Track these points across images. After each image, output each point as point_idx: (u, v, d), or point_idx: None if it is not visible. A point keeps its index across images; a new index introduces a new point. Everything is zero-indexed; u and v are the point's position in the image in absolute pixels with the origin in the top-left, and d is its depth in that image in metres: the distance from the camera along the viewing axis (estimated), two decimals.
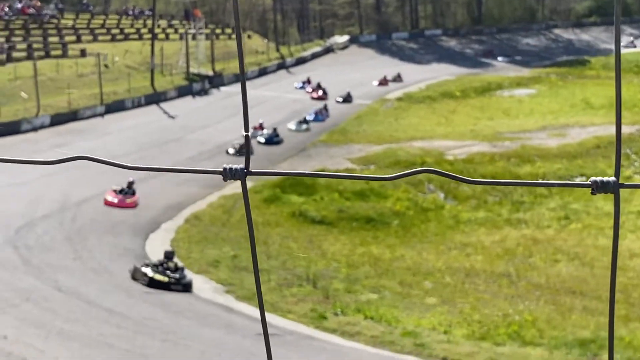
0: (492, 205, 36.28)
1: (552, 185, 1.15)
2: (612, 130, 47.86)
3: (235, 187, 37.25)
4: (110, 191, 33.23)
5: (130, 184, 33.61)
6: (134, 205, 32.75)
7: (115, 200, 32.65)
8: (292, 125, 51.01)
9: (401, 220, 34.05)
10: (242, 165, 1.30)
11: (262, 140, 45.82)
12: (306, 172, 1.29)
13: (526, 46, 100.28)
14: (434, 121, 55.77)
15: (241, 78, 1.32)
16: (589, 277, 27.24)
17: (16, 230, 28.45)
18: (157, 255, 27.91)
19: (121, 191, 33.26)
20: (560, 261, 29.19)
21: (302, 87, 67.18)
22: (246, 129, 1.29)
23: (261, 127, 48.79)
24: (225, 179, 1.29)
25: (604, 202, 36.20)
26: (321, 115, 55.01)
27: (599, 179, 1.06)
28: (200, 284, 25.37)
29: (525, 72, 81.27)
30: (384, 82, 71.10)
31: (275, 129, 47.29)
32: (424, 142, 47.64)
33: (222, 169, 1.28)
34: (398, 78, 72.78)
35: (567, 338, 21.13)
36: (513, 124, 53.79)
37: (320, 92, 63.64)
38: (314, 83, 67.32)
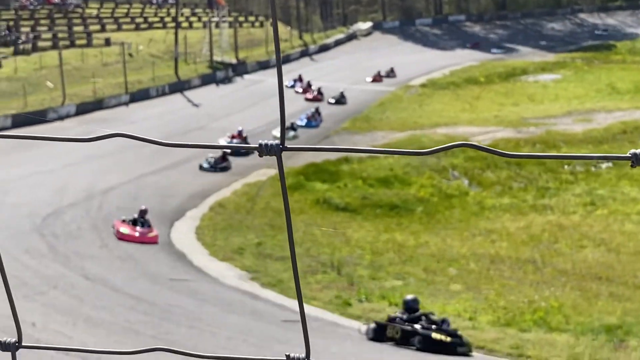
0: (517, 192, 36.11)
1: (592, 158, 1.14)
2: (638, 115, 47.46)
3: (259, 174, 37.33)
4: (121, 222, 27.76)
5: (143, 213, 28.03)
6: (156, 241, 27.41)
7: (136, 234, 27.10)
8: (277, 132, 43.41)
9: (425, 206, 33.98)
10: (277, 141, 1.32)
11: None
12: (343, 147, 1.30)
13: (551, 31, 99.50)
14: (458, 107, 55.54)
15: (278, 63, 1.33)
16: (615, 263, 27.07)
17: (43, 218, 28.69)
18: (182, 244, 28.07)
19: (134, 222, 27.64)
20: (586, 247, 29.03)
21: (292, 86, 59.70)
22: (281, 107, 1.30)
23: (240, 135, 42.67)
24: (261, 155, 1.30)
25: (630, 188, 35.94)
26: (314, 120, 48.31)
27: (638, 151, 1.07)
28: (225, 271, 25.47)
29: (550, 57, 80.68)
30: (377, 78, 66.39)
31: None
32: (448, 129, 47.48)
33: (258, 145, 1.29)
34: (392, 73, 67.90)
35: (593, 324, 21.02)
36: (538, 110, 53.45)
37: (315, 92, 56.82)
38: (304, 82, 60.91)
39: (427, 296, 23.66)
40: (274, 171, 38.02)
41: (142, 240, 26.94)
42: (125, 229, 27.13)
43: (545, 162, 39.28)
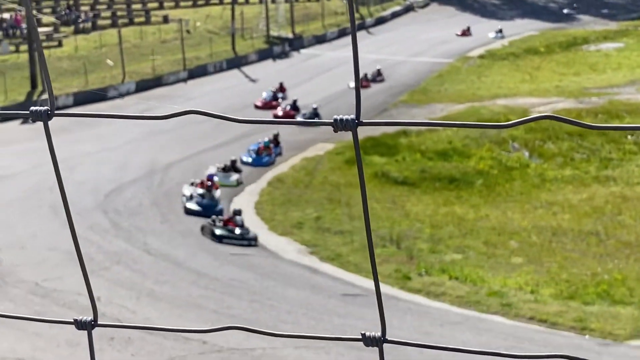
0: (579, 163, 35.52)
1: None
2: None
3: (316, 149, 37.34)
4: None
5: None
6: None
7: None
8: (217, 173, 31.67)
9: (485, 179, 33.63)
10: (353, 116, 1.29)
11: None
12: (419, 121, 1.26)
13: None
14: (518, 78, 54.72)
15: (353, 32, 1.28)
16: None
17: (106, 195, 29.13)
18: (242, 219, 28.26)
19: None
20: None
21: (273, 99, 45.96)
22: (356, 80, 1.26)
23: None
24: (336, 130, 1.28)
25: None
26: (268, 154, 35.74)
27: None
28: (285, 245, 25.59)
29: (612, 25, 78.88)
30: (366, 84, 51.43)
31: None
32: (507, 100, 46.84)
33: (333, 120, 1.27)
34: (379, 76, 54.69)
35: None
36: (600, 79, 52.39)
37: (288, 107, 43.20)
38: (286, 95, 47.29)
39: (487, 270, 23.49)
40: (331, 145, 37.97)
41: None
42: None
43: (607, 133, 38.54)
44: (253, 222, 28.18)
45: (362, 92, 48.64)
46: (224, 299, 17.73)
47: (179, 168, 33.15)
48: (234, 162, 33.30)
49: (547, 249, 25.79)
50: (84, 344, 11.30)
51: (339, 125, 1.24)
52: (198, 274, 20.40)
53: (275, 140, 36.60)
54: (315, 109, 41.10)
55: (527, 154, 36.94)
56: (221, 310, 16.78)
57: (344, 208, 29.78)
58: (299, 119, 40.72)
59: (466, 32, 71.56)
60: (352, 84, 52.00)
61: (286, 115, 41.68)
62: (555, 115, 1.25)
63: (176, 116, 1.37)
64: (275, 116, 41.47)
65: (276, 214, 29.09)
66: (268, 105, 44.52)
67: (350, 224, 27.63)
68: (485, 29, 74.60)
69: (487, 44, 69.37)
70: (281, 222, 28.12)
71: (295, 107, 43.10)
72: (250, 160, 34.79)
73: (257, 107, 44.74)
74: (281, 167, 34.85)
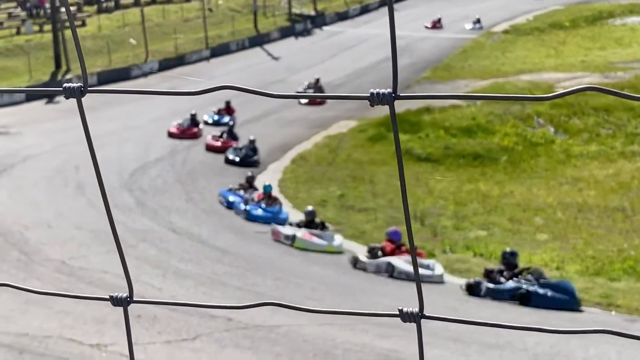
0: (604, 139, 35.22)
1: None
2: None
3: (339, 126, 37.27)
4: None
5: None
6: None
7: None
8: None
9: (510, 155, 33.44)
10: (389, 90, 1.26)
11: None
12: (456, 94, 1.23)
13: None
14: (543, 53, 54.24)
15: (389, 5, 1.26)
16: None
17: (130, 173, 29.28)
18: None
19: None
20: None
21: (218, 121, 37.19)
22: (393, 53, 1.24)
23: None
24: (372, 105, 1.26)
25: None
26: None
27: None
28: None
29: None
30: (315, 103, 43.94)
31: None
32: (532, 75, 46.47)
33: (369, 94, 1.25)
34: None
35: None
36: (626, 54, 51.82)
37: (224, 138, 33.69)
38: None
39: (512, 246, 23.39)
40: (354, 123, 37.89)
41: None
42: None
43: (634, 107, 38.15)
44: None
45: (383, 68, 48.44)
46: (248, 276, 17.80)
47: (203, 147, 33.23)
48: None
49: (573, 225, 25.64)
50: (111, 321, 11.41)
51: (375, 99, 1.22)
52: (222, 251, 20.48)
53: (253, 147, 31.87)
54: (252, 141, 31.89)
55: (552, 129, 36.66)
56: (246, 287, 16.84)
57: (367, 185, 29.74)
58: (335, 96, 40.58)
59: (437, 24, 64.64)
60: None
61: (224, 146, 32.50)
62: (596, 86, 1.22)
63: (210, 92, 1.36)
64: (210, 145, 32.68)
65: (300, 192, 29.10)
66: (186, 132, 34.62)
67: (373, 202, 27.60)
68: (510, 4, 73.79)
69: (514, 17, 68.72)
70: (305, 200, 28.14)
71: (233, 134, 33.53)
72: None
73: (171, 134, 34.77)
74: (304, 145, 34.83)
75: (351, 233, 24.28)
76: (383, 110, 39.18)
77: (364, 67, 49.09)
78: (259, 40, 60.39)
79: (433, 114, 38.39)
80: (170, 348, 9.95)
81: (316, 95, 1.45)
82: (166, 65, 51.57)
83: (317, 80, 43.07)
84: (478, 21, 65.01)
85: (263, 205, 25.16)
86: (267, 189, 25.78)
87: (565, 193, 28.86)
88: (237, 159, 31.37)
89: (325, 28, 66.47)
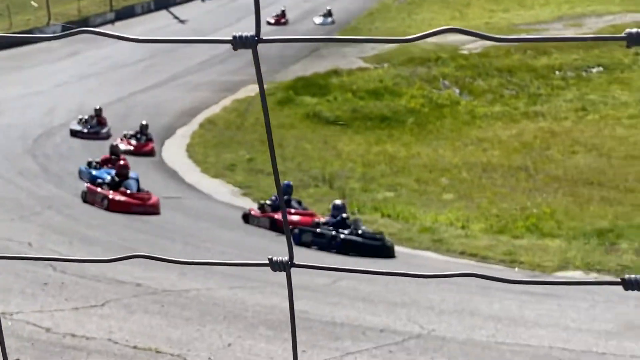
0: (508, 99, 36.03)
1: (586, 39, 1.10)
2: (629, 18, 47.07)
3: (247, 90, 37.11)
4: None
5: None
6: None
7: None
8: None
9: (416, 117, 33.93)
10: (252, 33, 1.27)
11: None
12: (319, 37, 1.25)
13: None
14: (448, 16, 54.92)
15: None
16: (606, 168, 27.22)
17: (35, 139, 28.61)
18: (173, 162, 28.12)
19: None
20: (578, 153, 29.14)
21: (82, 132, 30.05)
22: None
23: None
24: (235, 48, 1.26)
25: (621, 92, 35.88)
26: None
27: (634, 30, 1.02)
28: (217, 187, 25.56)
29: None
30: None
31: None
32: (437, 38, 46.93)
33: (232, 37, 1.25)
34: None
35: (585, 228, 21.23)
36: (528, 15, 52.91)
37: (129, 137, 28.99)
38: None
39: (419, 207, 23.82)
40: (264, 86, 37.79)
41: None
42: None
43: (536, 68, 39.07)
44: (185, 165, 28.03)
45: (283, 28, 48.30)
46: (157, 242, 17.68)
47: (109, 112, 32.66)
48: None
49: (478, 185, 26.25)
50: (17, 289, 11.21)
51: (238, 43, 1.23)
52: (130, 217, 20.27)
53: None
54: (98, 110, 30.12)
55: (457, 91, 37.31)
56: (155, 252, 16.67)
57: (276, 149, 29.69)
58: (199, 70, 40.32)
59: (280, 19, 53.61)
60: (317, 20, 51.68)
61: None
62: (457, 27, 1.28)
63: (67, 36, 1.34)
64: (114, 147, 25.59)
65: (208, 157, 28.96)
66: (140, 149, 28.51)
67: (282, 165, 27.67)
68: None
69: None
70: (213, 165, 28.03)
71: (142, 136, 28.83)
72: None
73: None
74: (213, 109, 34.61)
75: (260, 196, 24.33)
76: (290, 74, 39.18)
77: (272, 30, 48.87)
78: (164, 2, 59.41)
79: (341, 77, 38.59)
80: (78, 315, 9.86)
81: (175, 40, 1.43)
82: (70, 28, 50.31)
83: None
84: (329, 14, 55.11)
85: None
86: None
87: (470, 153, 29.49)
88: (85, 131, 29.52)
89: None
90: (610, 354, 9.48)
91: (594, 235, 20.55)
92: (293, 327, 1.25)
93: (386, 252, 18.77)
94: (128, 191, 21.14)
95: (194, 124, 32.64)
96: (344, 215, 19.81)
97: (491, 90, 36.92)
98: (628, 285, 1.17)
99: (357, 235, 19.04)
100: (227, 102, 35.63)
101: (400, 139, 31.37)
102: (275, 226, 20.42)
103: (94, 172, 23.46)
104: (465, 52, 43.39)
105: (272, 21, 52.82)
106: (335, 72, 38.97)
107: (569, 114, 33.70)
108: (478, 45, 44.05)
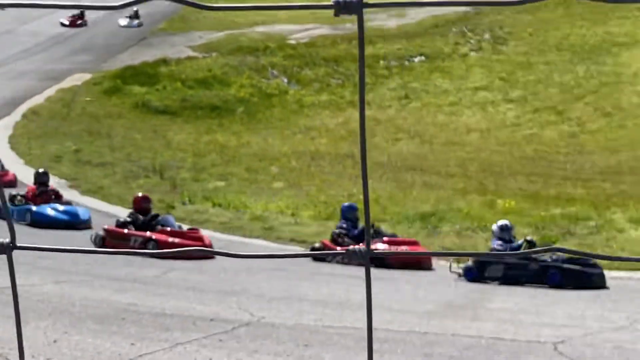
0: (335, 88, 36.80)
1: (294, 7, 1.07)
2: (448, 10, 49.01)
3: (73, 79, 36.14)
4: None
5: None
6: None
7: None
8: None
9: (246, 106, 34.12)
10: None
11: None
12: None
13: None
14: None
15: None
16: (428, 154, 28.36)
17: None
18: None
19: None
20: (401, 139, 30.21)
21: None
22: None
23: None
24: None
25: (442, 80, 37.39)
26: None
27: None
28: None
29: None
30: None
31: None
32: (266, 27, 47.35)
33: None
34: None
35: (408, 213, 22.04)
36: None
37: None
38: None
39: (250, 195, 24.02)
40: (89, 76, 36.88)
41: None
42: None
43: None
44: (8, 158, 27.00)
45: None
46: None
47: None
48: None
49: (306, 172, 26.73)
50: None
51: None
52: None
53: None
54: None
55: (285, 80, 37.75)
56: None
57: (104, 140, 29.20)
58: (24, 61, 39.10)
59: (77, 20, 48.05)
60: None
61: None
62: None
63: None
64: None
65: (33, 148, 28.04)
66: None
67: (111, 156, 27.18)
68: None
69: None
70: (38, 156, 27.17)
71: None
72: None
73: None
74: (36, 99, 33.48)
75: (87, 188, 23.83)
76: (118, 62, 38.42)
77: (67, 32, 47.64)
78: None
79: (170, 66, 38.23)
80: None
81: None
82: None
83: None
84: (136, 15, 49.73)
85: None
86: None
87: (299, 142, 29.98)
88: None
89: None
90: (431, 333, 9.92)
91: (417, 219, 21.40)
92: (16, 307, 1.27)
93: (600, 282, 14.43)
94: (168, 228, 17.10)
95: (17, 115, 31.50)
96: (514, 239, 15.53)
97: (318, 79, 37.60)
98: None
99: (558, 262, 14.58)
100: (52, 91, 34.57)
101: (231, 128, 31.47)
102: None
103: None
104: (292, 41, 43.94)
105: (67, 22, 47.48)
106: (164, 61, 38.57)
107: (392, 102, 34.82)
108: (306, 34, 44.73)
